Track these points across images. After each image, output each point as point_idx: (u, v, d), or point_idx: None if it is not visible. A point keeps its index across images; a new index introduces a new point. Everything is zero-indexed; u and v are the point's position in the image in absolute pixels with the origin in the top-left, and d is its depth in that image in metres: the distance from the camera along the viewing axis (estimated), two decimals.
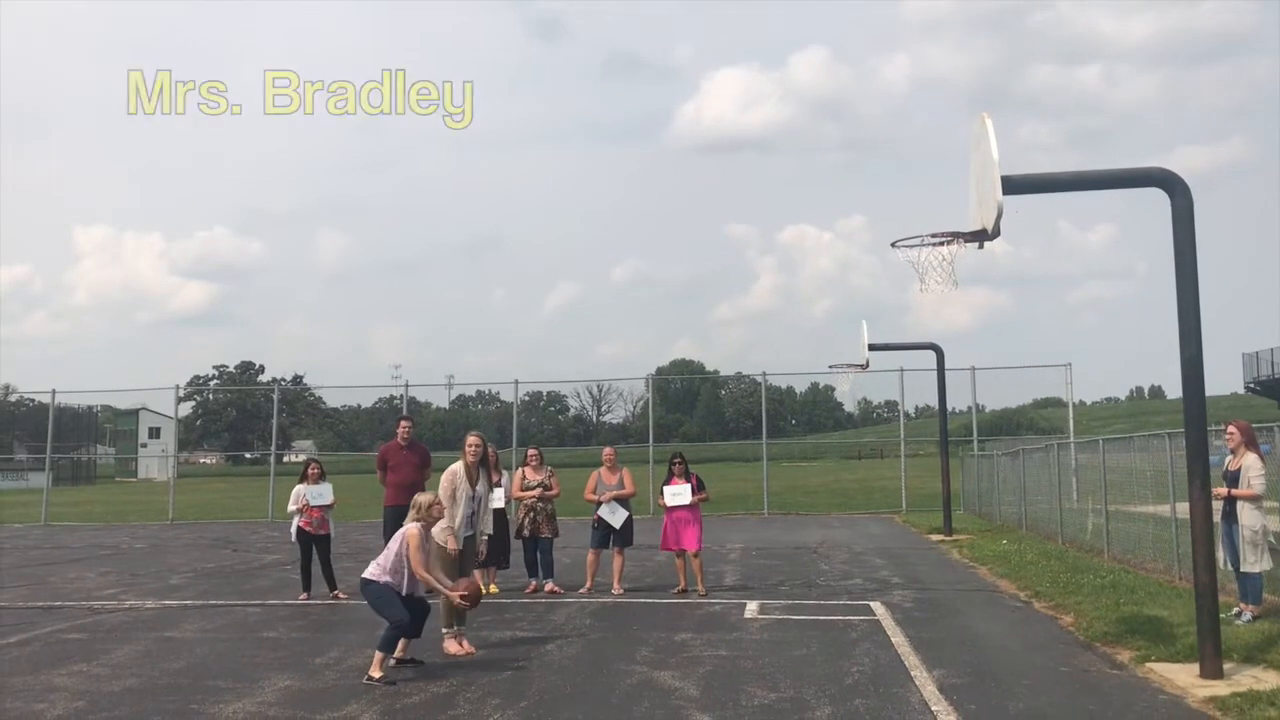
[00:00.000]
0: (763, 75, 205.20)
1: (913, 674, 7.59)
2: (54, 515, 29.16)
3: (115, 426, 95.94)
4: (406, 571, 7.92)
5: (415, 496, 8.38)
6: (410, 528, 8.00)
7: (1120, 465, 14.51)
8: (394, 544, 8.02)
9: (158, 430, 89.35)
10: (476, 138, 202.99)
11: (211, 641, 9.48)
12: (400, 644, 8.01)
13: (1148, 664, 7.73)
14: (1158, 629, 8.75)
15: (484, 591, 11.94)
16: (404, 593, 7.88)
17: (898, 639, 8.97)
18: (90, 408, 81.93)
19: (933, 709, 6.59)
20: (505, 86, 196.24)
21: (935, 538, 18.91)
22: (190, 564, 16.61)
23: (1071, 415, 27.41)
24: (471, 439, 9.11)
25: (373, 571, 7.94)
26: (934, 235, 8.21)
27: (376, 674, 7.56)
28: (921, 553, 16.75)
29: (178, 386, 33.63)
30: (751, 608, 10.85)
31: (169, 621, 10.67)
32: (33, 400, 79.42)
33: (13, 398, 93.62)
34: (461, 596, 8.07)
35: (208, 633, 9.97)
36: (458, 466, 8.88)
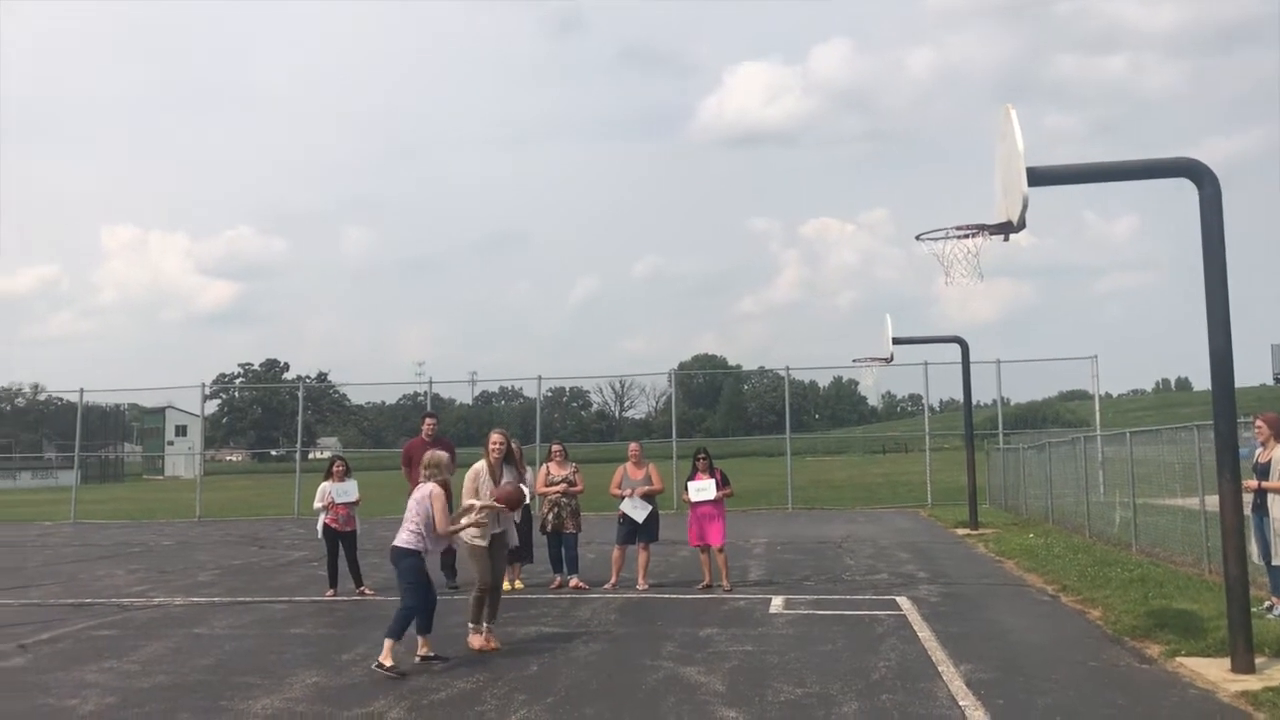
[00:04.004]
0: (785, 68, 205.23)
1: (940, 669, 7.56)
2: (83, 513, 29.43)
3: (142, 425, 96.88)
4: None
5: (428, 455, 8.41)
6: (434, 487, 8.09)
7: (1148, 458, 14.41)
8: (417, 505, 8.10)
9: (184, 428, 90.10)
10: (498, 133, 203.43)
11: (240, 638, 9.54)
12: (421, 641, 8.06)
13: (1178, 658, 7.67)
14: (1187, 623, 8.68)
15: (510, 587, 12.02)
16: (429, 551, 8.04)
17: (924, 634, 8.94)
18: (118, 406, 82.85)
19: (960, 704, 6.56)
20: (526, 82, 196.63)
21: (961, 532, 18.83)
22: (218, 561, 16.73)
23: (1098, 408, 27.23)
24: (495, 437, 9.11)
25: (410, 540, 8.02)
26: (959, 228, 8.17)
27: (387, 661, 7.62)
28: (947, 547, 16.67)
29: (204, 385, 33.85)
30: (777, 603, 10.83)
31: (198, 618, 10.75)
32: (61, 399, 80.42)
33: (41, 397, 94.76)
34: (500, 499, 8.39)
35: (236, 629, 10.03)
36: (481, 465, 8.88)
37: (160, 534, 23.28)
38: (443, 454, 8.47)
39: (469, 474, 8.88)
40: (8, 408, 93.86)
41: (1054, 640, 8.88)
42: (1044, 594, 11.25)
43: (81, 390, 31.95)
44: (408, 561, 7.99)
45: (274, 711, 6.72)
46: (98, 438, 70.22)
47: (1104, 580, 11.41)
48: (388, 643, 7.73)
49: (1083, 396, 39.58)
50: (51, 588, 13.59)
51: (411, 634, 8.07)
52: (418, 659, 7.97)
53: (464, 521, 8.31)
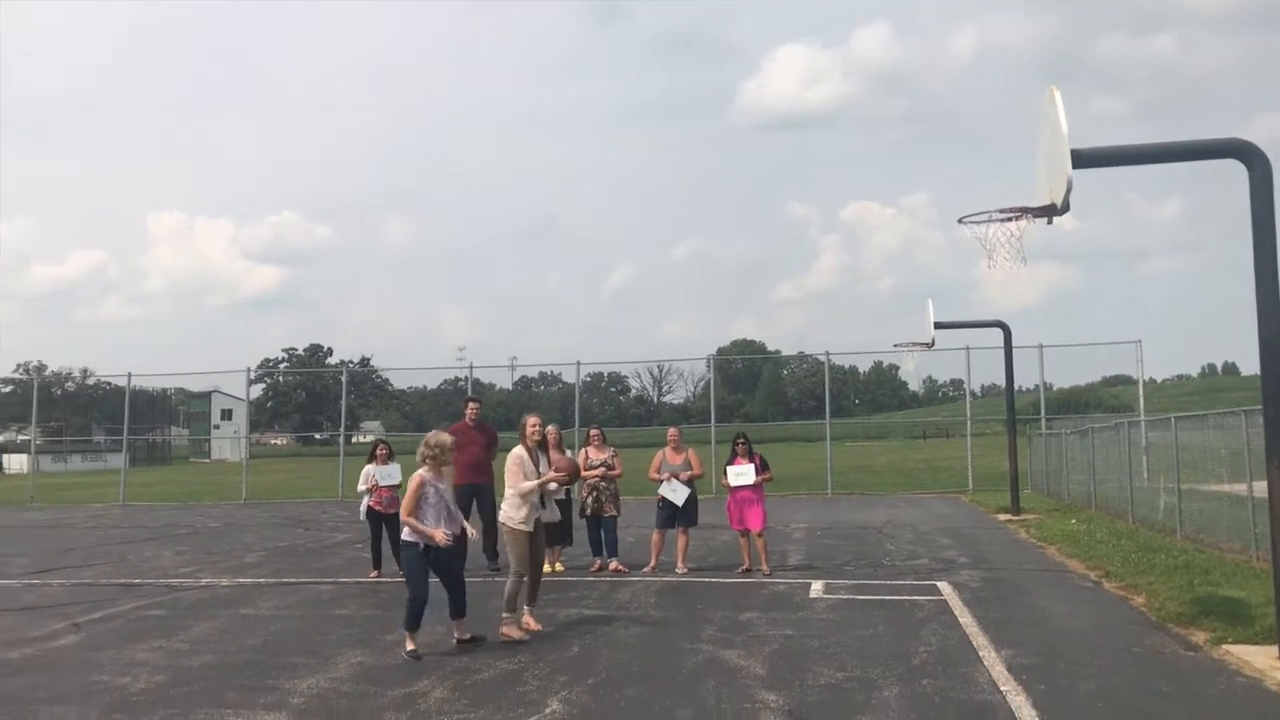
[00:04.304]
0: (825, 51, 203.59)
1: (981, 654, 7.54)
2: (131, 495, 29.92)
3: (189, 409, 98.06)
4: (445, 511, 8.00)
5: (428, 436, 8.33)
6: (418, 473, 8.00)
7: (1193, 443, 14.23)
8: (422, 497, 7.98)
9: (230, 412, 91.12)
10: (539, 120, 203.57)
11: (285, 618, 9.68)
12: (455, 625, 8.13)
13: (1224, 645, 7.60)
14: (1234, 610, 8.59)
15: (551, 569, 12.10)
16: (442, 532, 7.78)
17: (965, 619, 8.91)
18: (165, 390, 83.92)
19: (1001, 689, 6.54)
20: (566, 69, 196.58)
21: (1002, 517, 18.71)
22: (263, 542, 16.96)
23: (1142, 392, 26.92)
24: (532, 420, 9.10)
25: (406, 533, 7.97)
26: (1001, 211, 8.11)
27: (410, 645, 7.75)
28: (989, 532, 16.58)
29: (248, 369, 34.20)
30: (817, 587, 10.83)
31: (244, 599, 10.91)
32: (110, 383, 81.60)
33: (91, 381, 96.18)
34: (561, 468, 8.72)
35: (281, 610, 10.18)
36: (521, 451, 8.83)
37: (207, 516, 23.63)
38: (445, 436, 8.41)
39: (511, 459, 8.76)
40: (58, 392, 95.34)
41: (1096, 626, 8.82)
42: (1086, 580, 11.17)
43: (129, 375, 32.45)
44: (406, 552, 8.01)
45: (319, 691, 6.82)
46: (145, 421, 71.10)
47: (1148, 566, 11.30)
48: (407, 634, 7.82)
49: (1127, 381, 39.19)
50: (102, 568, 13.84)
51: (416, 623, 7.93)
52: (454, 641, 8.06)
53: (417, 524, 7.87)
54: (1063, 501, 21.63)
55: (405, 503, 7.95)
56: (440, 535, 7.81)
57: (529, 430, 8.98)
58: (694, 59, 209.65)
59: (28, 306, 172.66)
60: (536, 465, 8.85)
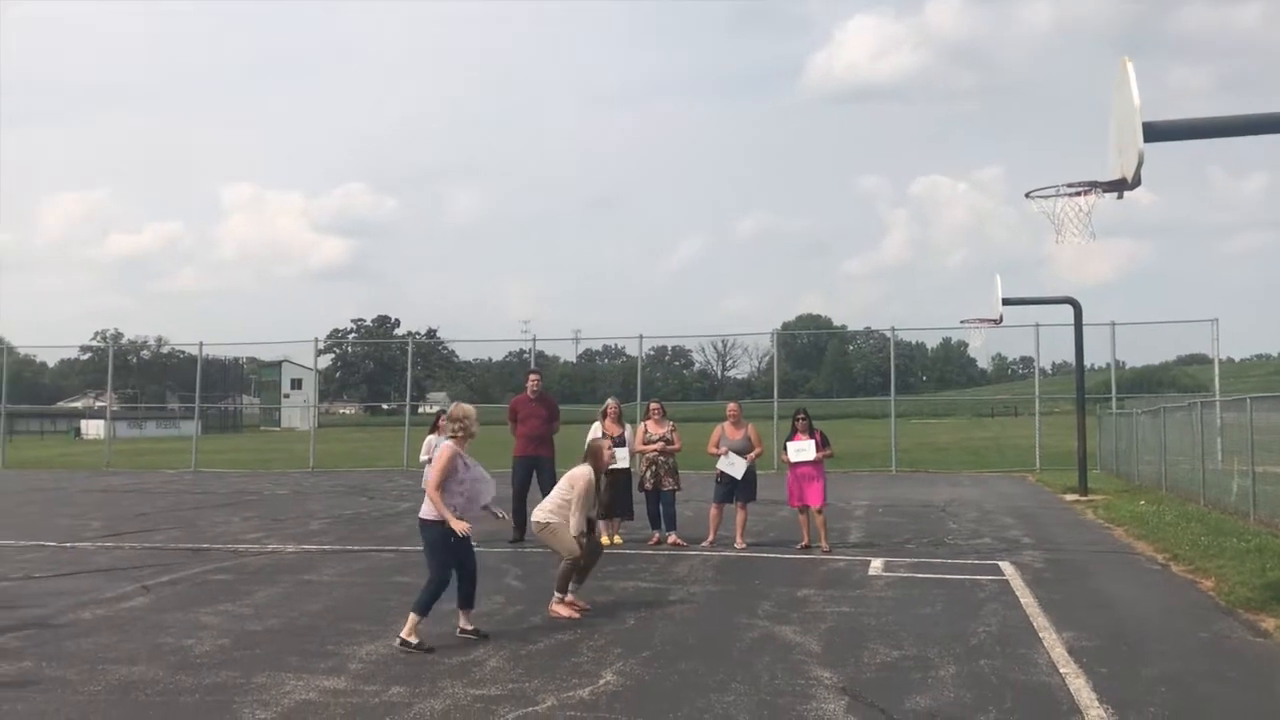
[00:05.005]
0: (897, 22, 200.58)
1: (1041, 635, 7.43)
2: (203, 462, 30.58)
3: (260, 378, 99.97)
4: (476, 489, 7.54)
5: (451, 409, 7.82)
6: (446, 443, 7.50)
7: (1271, 425, 13.87)
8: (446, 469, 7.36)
9: (299, 381, 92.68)
10: (603, 92, 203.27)
11: (348, 585, 9.84)
12: (462, 615, 7.53)
13: None
14: None
15: (609, 542, 12.16)
16: (465, 524, 7.32)
17: (1026, 600, 8.79)
18: (237, 359, 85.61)
19: (1061, 671, 6.44)
20: (631, 39, 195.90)
21: (1069, 498, 18.42)
22: (329, 510, 17.25)
23: (1217, 372, 26.24)
24: (607, 443, 9.17)
25: (429, 510, 7.39)
26: (1070, 185, 7.94)
27: (412, 639, 7.11)
28: (1054, 512, 16.33)
29: (317, 339, 34.73)
30: (876, 565, 10.75)
31: (308, 565, 11.11)
32: (183, 352, 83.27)
33: (165, 350, 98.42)
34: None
35: (344, 577, 10.35)
36: (591, 476, 8.62)
37: (275, 483, 24.08)
38: (468, 407, 7.78)
39: (581, 481, 8.53)
40: (134, 360, 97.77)
41: (1162, 610, 8.66)
42: (1154, 563, 10.96)
43: (201, 344, 33.11)
44: (432, 532, 7.36)
45: (379, 657, 6.93)
46: (217, 390, 72.59)
47: (1218, 550, 11.05)
48: (411, 618, 7.18)
49: (1202, 361, 38.22)
50: (173, 532, 14.18)
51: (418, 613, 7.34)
52: (458, 631, 7.49)
53: (440, 502, 7.32)
54: (1132, 482, 21.23)
55: (432, 475, 7.33)
56: (463, 526, 7.27)
57: (606, 456, 8.92)
58: (766, 30, 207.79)
59: (105, 275, 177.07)
60: (598, 491, 8.80)
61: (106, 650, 7.21)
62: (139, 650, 7.20)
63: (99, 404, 73.94)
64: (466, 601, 7.58)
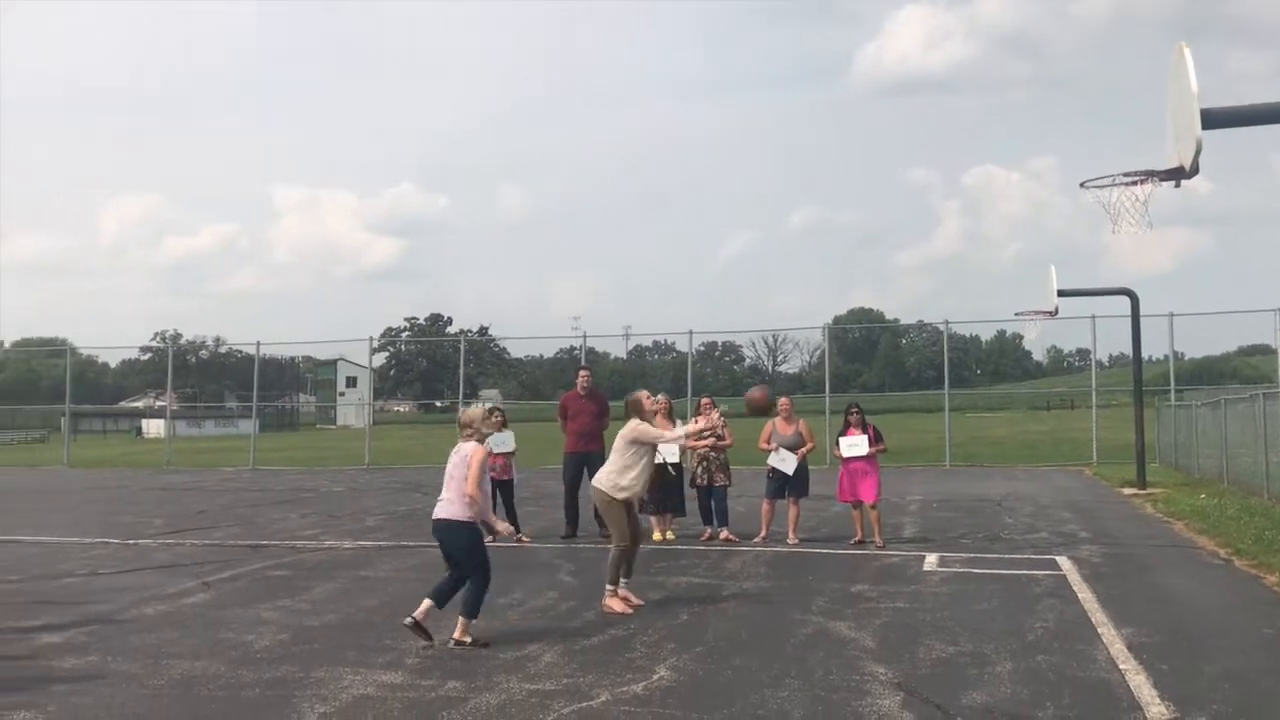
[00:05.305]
0: (948, 12, 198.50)
1: (1099, 631, 7.34)
2: (260, 460, 31.02)
3: (315, 376, 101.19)
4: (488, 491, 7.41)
5: (462, 413, 7.70)
6: (475, 444, 7.35)
7: None
8: (460, 469, 7.25)
9: (354, 380, 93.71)
10: (652, 85, 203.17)
11: (403, 581, 9.94)
12: (423, 605, 7.20)
13: None
14: None
15: (661, 538, 12.19)
16: (506, 525, 7.32)
17: (1084, 595, 8.68)
18: (293, 359, 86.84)
19: (1120, 667, 6.36)
20: (679, 34, 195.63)
21: (1128, 491, 18.14)
22: (384, 507, 17.44)
23: None
24: (661, 397, 9.08)
25: (463, 512, 7.18)
26: (1126, 174, 7.84)
27: (466, 638, 7.10)
28: (1112, 506, 16.10)
29: (371, 338, 35.14)
30: (930, 560, 10.67)
31: (364, 561, 11.24)
32: (240, 352, 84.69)
33: (223, 349, 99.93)
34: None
35: (400, 572, 10.46)
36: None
37: (331, 480, 24.38)
38: (474, 411, 7.74)
39: (637, 425, 8.58)
40: (193, 360, 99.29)
41: (1225, 606, 8.51)
42: (1215, 557, 10.77)
43: (258, 343, 33.76)
44: (469, 532, 7.21)
45: (434, 653, 7.00)
46: (274, 388, 73.59)
47: None
48: (462, 621, 7.12)
49: (1265, 351, 37.44)
50: (232, 529, 14.41)
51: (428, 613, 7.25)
52: (413, 620, 7.15)
53: (483, 502, 7.26)
54: (1192, 476, 20.87)
55: (474, 475, 7.14)
56: (504, 528, 7.23)
57: (647, 403, 8.82)
58: (816, 22, 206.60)
59: (163, 277, 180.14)
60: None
61: (169, 645, 7.35)
62: (201, 645, 7.33)
63: (159, 403, 75.34)
64: (444, 598, 7.28)
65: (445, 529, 7.28)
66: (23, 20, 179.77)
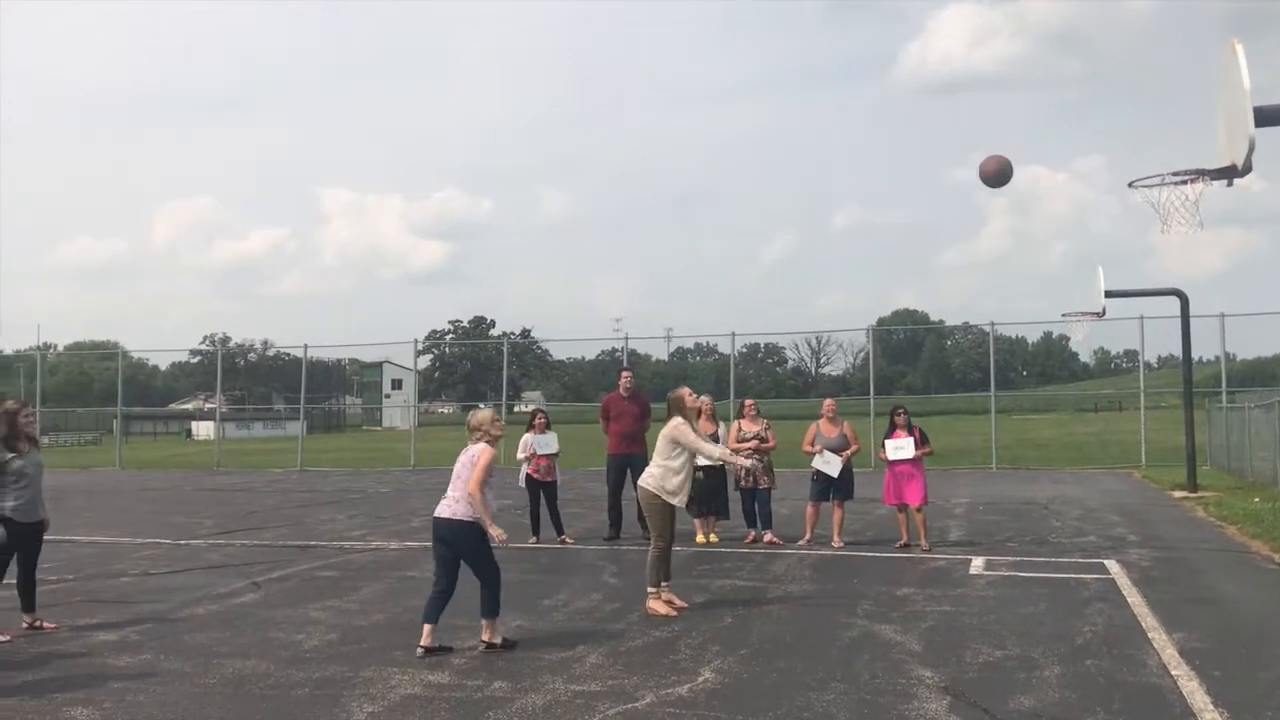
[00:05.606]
0: (993, 10, 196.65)
1: (1150, 636, 7.25)
2: (308, 461, 31.36)
3: (362, 378, 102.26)
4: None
5: (471, 417, 7.61)
6: (485, 445, 7.30)
7: None
8: (467, 470, 7.23)
9: (399, 382, 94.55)
10: (693, 86, 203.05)
11: None
12: (425, 630, 7.06)
13: None
14: None
15: (704, 540, 12.19)
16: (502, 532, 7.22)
17: (1134, 599, 8.57)
18: (339, 361, 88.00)
19: (1172, 673, 6.28)
20: (721, 33, 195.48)
21: (1178, 494, 17.88)
22: (429, 508, 17.33)
23: None
24: (686, 390, 9.01)
25: (468, 512, 7.15)
26: (1176, 174, 7.74)
27: (496, 639, 7.10)
28: (1162, 510, 15.88)
29: (416, 340, 35.39)
30: (977, 564, 10.58)
31: (410, 562, 11.33)
32: (288, 354, 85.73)
33: (270, 352, 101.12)
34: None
35: None
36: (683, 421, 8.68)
37: (378, 482, 24.59)
38: (483, 414, 7.58)
39: (680, 425, 8.60)
40: (241, 363, 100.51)
41: (1279, 611, 8.37)
42: (1270, 562, 10.59)
43: (306, 346, 34.26)
44: (474, 535, 7.17)
45: (479, 653, 7.05)
46: (321, 390, 74.59)
47: None
48: (487, 623, 7.12)
49: None
50: (281, 530, 14.59)
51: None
52: (423, 649, 7.01)
53: (484, 506, 7.19)
54: (1245, 479, 20.51)
55: (478, 477, 7.13)
56: (498, 533, 7.18)
57: (689, 401, 8.78)
58: (858, 20, 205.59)
59: (213, 280, 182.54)
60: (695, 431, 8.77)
61: (220, 644, 7.47)
62: (251, 644, 7.44)
63: (209, 406, 76.37)
64: (433, 617, 7.11)
65: (449, 528, 7.20)
66: (73, 24, 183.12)
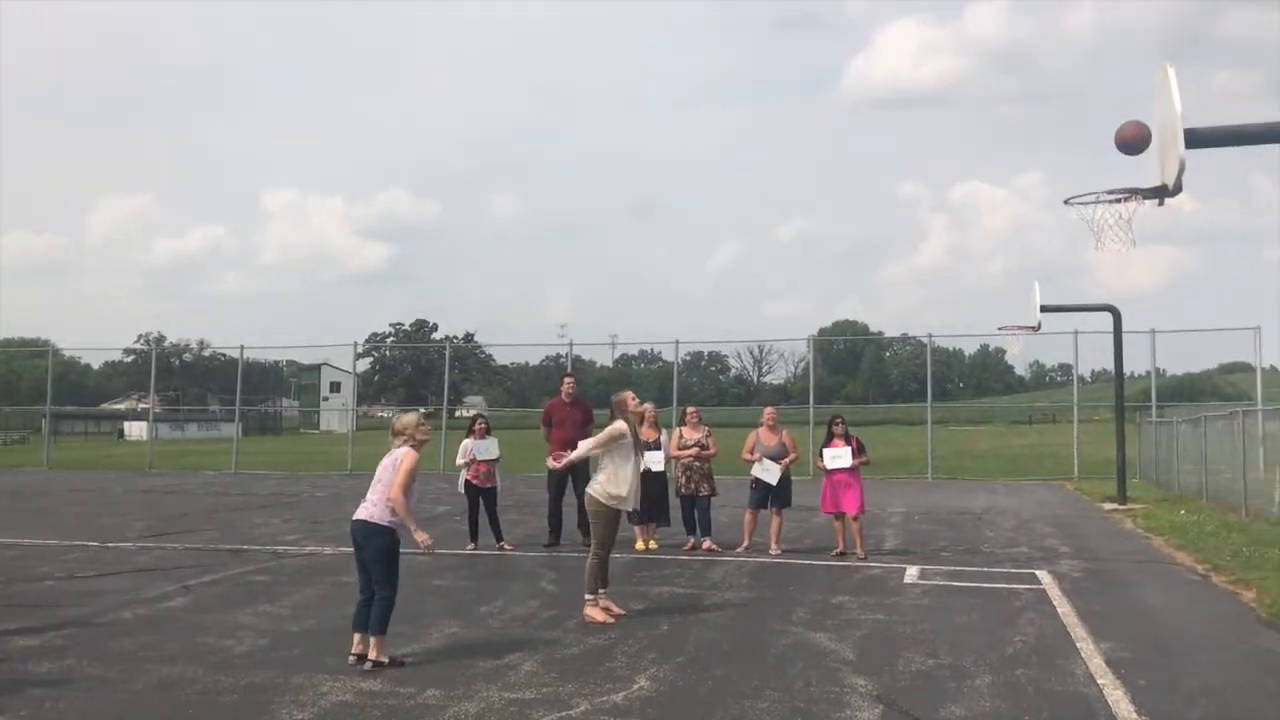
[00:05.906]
0: (938, 28, 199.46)
1: (1079, 646, 7.37)
2: (243, 464, 30.88)
3: (299, 381, 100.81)
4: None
5: (396, 420, 7.40)
6: (409, 450, 7.14)
7: None
8: (389, 474, 7.05)
9: (338, 384, 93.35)
10: (642, 97, 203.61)
11: None
12: (355, 639, 6.89)
13: None
14: None
15: (644, 547, 12.19)
16: (427, 537, 7.00)
17: (1064, 609, 8.71)
18: (276, 363, 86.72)
19: (1099, 682, 6.39)
20: (671, 44, 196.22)
21: (1108, 506, 18.22)
22: None
23: (1259, 381, 25.85)
24: (629, 394, 8.97)
25: (385, 516, 6.94)
26: (1110, 192, 7.88)
27: (384, 657, 6.79)
28: (1093, 521, 16.17)
29: (355, 343, 35.09)
30: (911, 573, 10.69)
31: (344, 568, 11.13)
32: (224, 355, 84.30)
33: (206, 352, 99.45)
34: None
35: None
36: (624, 426, 8.62)
37: (314, 485, 24.29)
38: (408, 417, 7.39)
39: (616, 427, 8.54)
40: (176, 363, 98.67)
41: (1203, 621, 8.56)
42: (1194, 573, 10.83)
43: (242, 347, 33.72)
44: (389, 538, 6.95)
45: (414, 660, 6.98)
46: (258, 392, 73.49)
47: (1260, 561, 10.90)
48: (377, 640, 6.80)
49: (1244, 369, 37.66)
50: (213, 533, 14.34)
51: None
52: (355, 656, 6.86)
53: (408, 514, 6.97)
54: (1172, 492, 20.97)
55: (401, 481, 6.95)
56: (423, 538, 6.93)
57: (632, 405, 8.76)
58: (803, 36, 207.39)
59: (148, 278, 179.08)
60: (636, 440, 8.74)
61: (147, 649, 7.31)
62: (179, 650, 7.29)
63: (142, 406, 74.86)
64: (368, 623, 6.90)
65: (364, 530, 6.99)
66: (14, 16, 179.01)
